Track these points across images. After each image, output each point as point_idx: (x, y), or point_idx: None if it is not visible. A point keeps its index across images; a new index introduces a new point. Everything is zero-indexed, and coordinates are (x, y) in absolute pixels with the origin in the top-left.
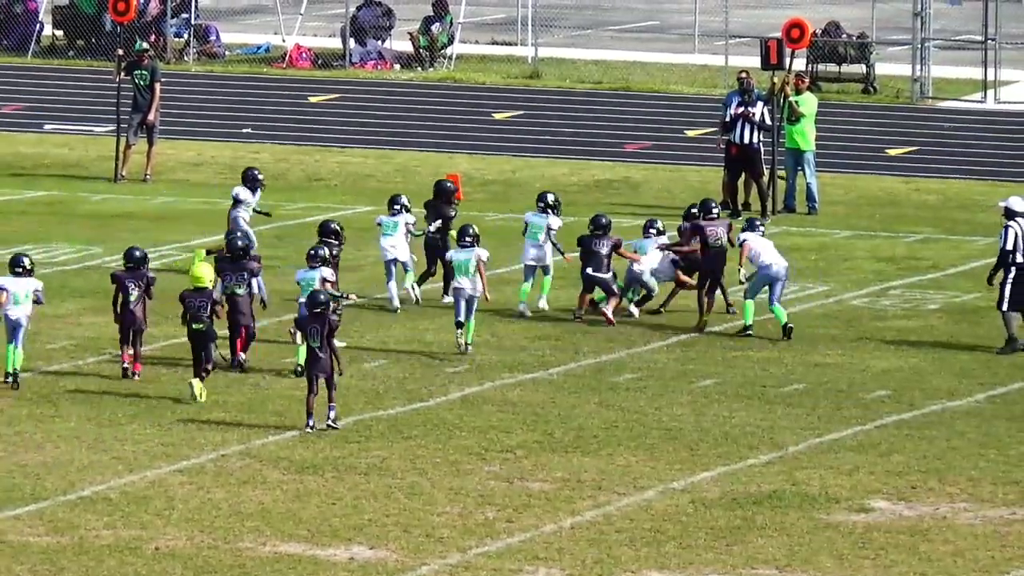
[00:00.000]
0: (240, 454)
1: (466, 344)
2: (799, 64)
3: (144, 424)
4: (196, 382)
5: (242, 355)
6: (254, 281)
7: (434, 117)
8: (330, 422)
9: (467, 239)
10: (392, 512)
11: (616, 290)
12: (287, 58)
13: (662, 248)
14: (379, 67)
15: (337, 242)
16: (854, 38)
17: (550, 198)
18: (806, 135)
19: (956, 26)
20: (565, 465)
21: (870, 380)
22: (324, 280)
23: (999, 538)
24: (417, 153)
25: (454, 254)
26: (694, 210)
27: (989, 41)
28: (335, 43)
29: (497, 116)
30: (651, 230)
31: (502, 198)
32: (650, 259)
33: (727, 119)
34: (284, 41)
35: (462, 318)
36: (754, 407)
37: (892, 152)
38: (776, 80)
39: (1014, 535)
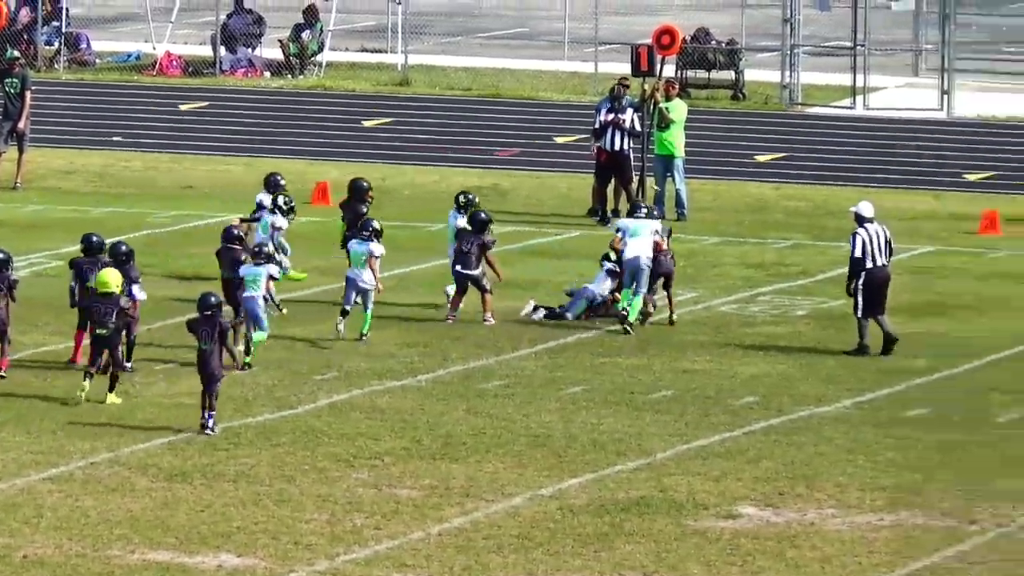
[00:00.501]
0: (109, 462)
1: (362, 334)
2: (669, 71)
3: (13, 432)
4: (87, 384)
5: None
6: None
7: (304, 124)
8: (207, 428)
9: (365, 233)
10: (261, 519)
11: (487, 287)
12: (158, 66)
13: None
14: (249, 75)
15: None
16: (723, 44)
17: (461, 198)
18: (675, 141)
19: (825, 32)
20: (433, 472)
21: (738, 386)
22: (270, 277)
23: (866, 544)
24: (287, 161)
25: (352, 244)
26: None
27: (858, 47)
28: (206, 51)
29: (367, 123)
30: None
31: (373, 205)
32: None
33: (597, 126)
34: (155, 49)
35: (349, 306)
36: (622, 413)
37: (761, 158)
38: (647, 87)
39: (881, 541)
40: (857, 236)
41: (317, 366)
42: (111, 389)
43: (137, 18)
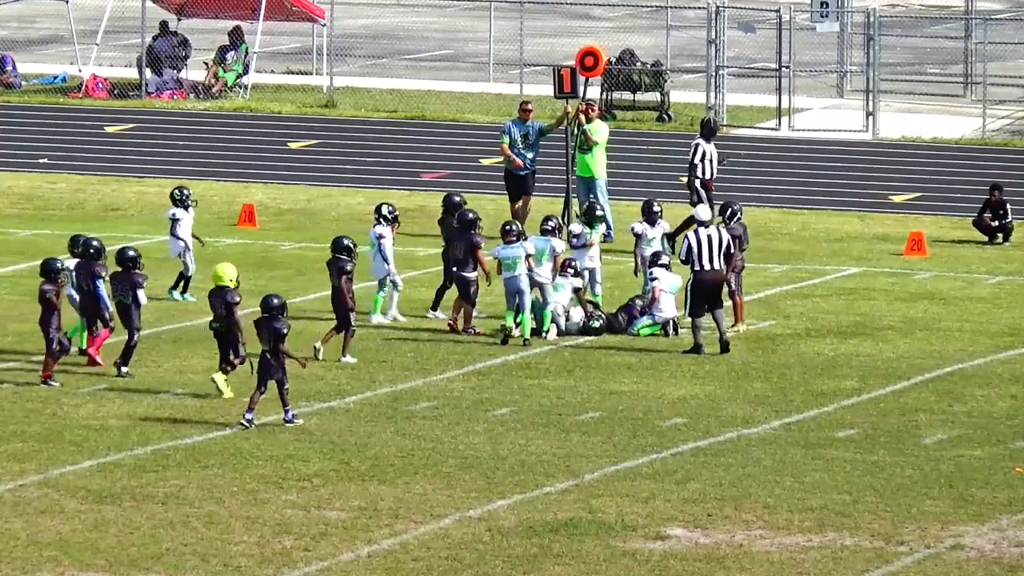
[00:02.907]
0: (38, 484)
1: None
2: (593, 93)
3: None
4: (219, 376)
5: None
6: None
7: (230, 146)
8: (289, 421)
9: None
10: (190, 541)
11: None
12: (84, 88)
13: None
14: (175, 97)
15: (349, 258)
16: (648, 66)
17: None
18: (596, 163)
19: (750, 54)
20: (362, 494)
21: (666, 408)
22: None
23: (795, 565)
24: (213, 183)
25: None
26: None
27: (783, 69)
28: (132, 73)
29: (293, 145)
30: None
31: (298, 227)
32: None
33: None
34: (80, 71)
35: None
36: (550, 435)
37: (687, 179)
38: (570, 108)
39: (810, 562)
40: (688, 239)
41: (245, 388)
42: (224, 372)
43: (62, 40)
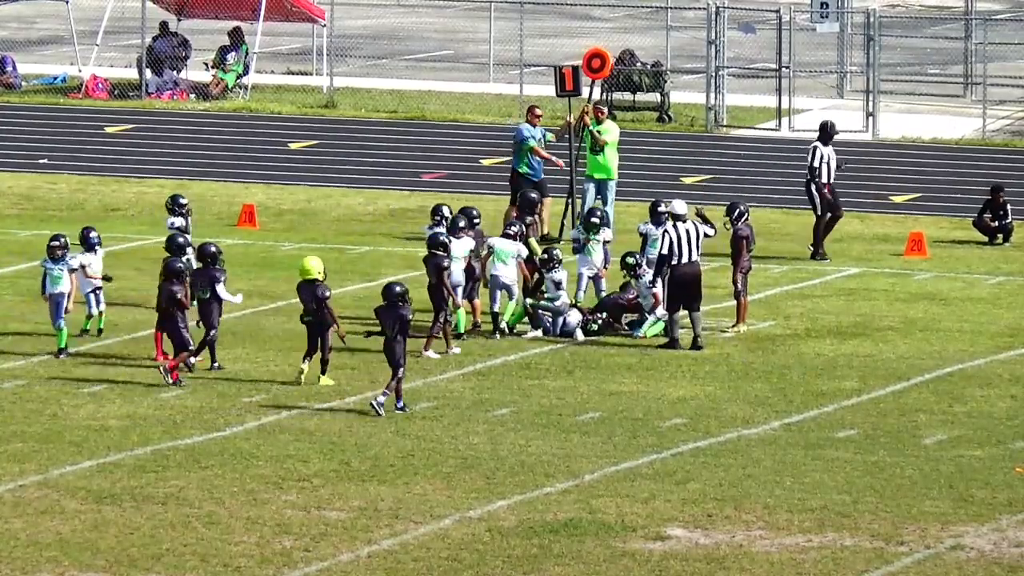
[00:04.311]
0: (38, 484)
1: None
2: (595, 93)
3: None
4: (306, 366)
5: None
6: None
7: (230, 147)
8: (400, 408)
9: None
10: (190, 542)
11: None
12: (84, 88)
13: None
14: (175, 97)
15: (446, 253)
16: (648, 67)
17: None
18: (611, 163)
19: (750, 54)
20: (362, 494)
21: (666, 408)
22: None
23: (795, 565)
24: (214, 183)
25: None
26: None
27: (783, 69)
28: (132, 73)
29: (293, 146)
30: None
31: (298, 227)
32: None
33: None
34: (81, 71)
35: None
36: (550, 436)
37: (687, 180)
38: (572, 119)
39: (810, 562)
40: (666, 234)
41: (245, 388)
42: (323, 372)
43: (63, 41)
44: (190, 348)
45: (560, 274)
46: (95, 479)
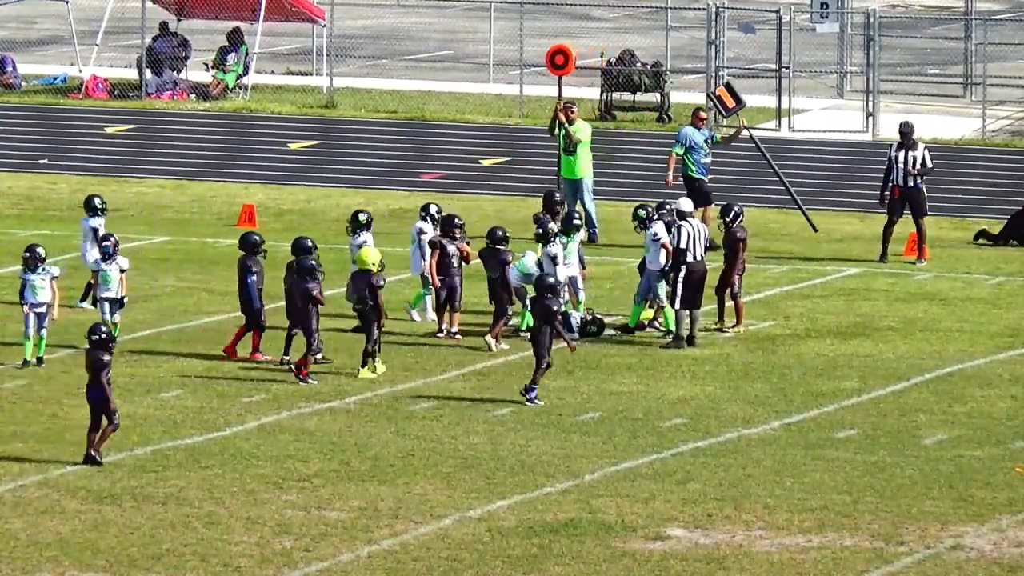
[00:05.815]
0: (38, 484)
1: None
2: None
3: None
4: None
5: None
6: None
7: (230, 147)
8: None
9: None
10: (190, 542)
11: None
12: (84, 89)
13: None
14: (175, 97)
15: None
16: (648, 67)
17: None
18: (582, 163)
19: (750, 54)
20: (362, 494)
21: (666, 408)
22: None
23: (795, 565)
24: (213, 183)
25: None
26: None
27: (783, 69)
28: (132, 74)
29: (292, 146)
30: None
31: (298, 228)
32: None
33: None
34: (81, 72)
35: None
36: (550, 435)
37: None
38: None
39: (809, 562)
40: (683, 228)
41: (245, 388)
42: (363, 364)
43: (63, 41)
44: (318, 349)
45: (555, 248)
46: (95, 479)
